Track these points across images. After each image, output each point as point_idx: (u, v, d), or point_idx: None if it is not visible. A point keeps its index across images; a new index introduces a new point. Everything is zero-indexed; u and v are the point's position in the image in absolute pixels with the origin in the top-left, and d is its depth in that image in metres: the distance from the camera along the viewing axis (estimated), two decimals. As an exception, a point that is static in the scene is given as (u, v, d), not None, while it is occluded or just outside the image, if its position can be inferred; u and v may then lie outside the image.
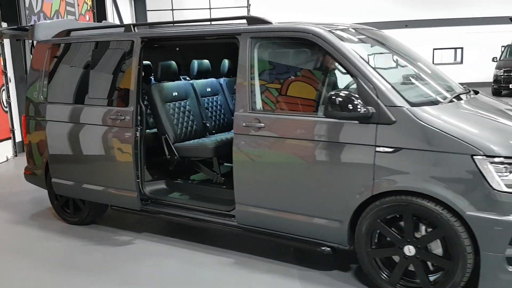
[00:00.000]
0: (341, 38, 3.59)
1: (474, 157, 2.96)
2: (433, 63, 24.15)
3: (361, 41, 4.03)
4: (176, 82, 4.87)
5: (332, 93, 3.21)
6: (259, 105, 3.75)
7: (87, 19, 13.91)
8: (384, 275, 3.35)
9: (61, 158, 4.81)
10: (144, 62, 5.05)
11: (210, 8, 19.93)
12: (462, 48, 24.20)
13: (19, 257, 4.33)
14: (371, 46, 4.13)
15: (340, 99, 3.17)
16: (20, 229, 5.06)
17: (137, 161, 4.29)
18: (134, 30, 4.44)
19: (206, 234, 4.55)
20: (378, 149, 3.24)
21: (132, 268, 3.95)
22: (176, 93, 4.72)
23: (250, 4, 22.81)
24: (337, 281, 3.59)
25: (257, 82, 3.77)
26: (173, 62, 4.78)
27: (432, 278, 3.21)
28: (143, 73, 4.55)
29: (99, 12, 14.54)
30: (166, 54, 5.72)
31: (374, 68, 3.39)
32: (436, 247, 3.17)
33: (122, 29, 4.58)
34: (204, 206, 4.19)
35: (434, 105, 3.35)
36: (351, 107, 3.17)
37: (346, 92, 3.20)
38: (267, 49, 3.83)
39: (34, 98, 5.15)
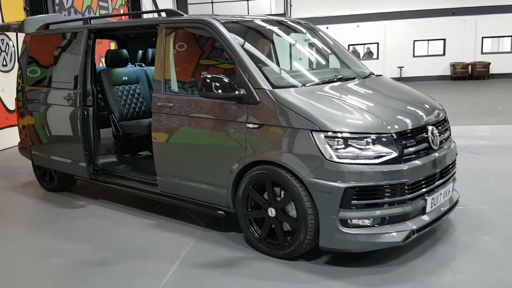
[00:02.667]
0: (233, 29, 4.09)
1: (312, 131, 3.41)
2: (481, 52, 23.37)
3: (262, 32, 4.52)
4: (128, 68, 5.57)
5: (205, 76, 3.74)
6: (169, 87, 4.34)
7: (121, 12, 14.99)
8: (255, 233, 3.85)
9: (36, 133, 5.67)
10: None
11: (247, 0, 20.53)
12: (513, 36, 23.14)
13: (-7, 214, 5.25)
14: (275, 36, 4.61)
15: (209, 81, 3.69)
16: (7, 193, 5.99)
17: (85, 136, 5.02)
18: (90, 23, 5.17)
19: (144, 200, 5.16)
20: (248, 125, 3.74)
21: (69, 225, 4.71)
22: (126, 78, 5.42)
23: (290, -5, 23.19)
24: (227, 240, 4.12)
25: (169, 66, 4.35)
26: (124, 50, 5.49)
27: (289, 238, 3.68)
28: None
29: (134, 5, 15.54)
30: (149, 43, 6.42)
31: (250, 56, 3.86)
32: (292, 210, 3.63)
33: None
34: (138, 176, 4.85)
35: (296, 87, 3.80)
36: (221, 88, 3.69)
37: (216, 76, 3.71)
38: (177, 38, 4.38)
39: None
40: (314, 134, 3.39)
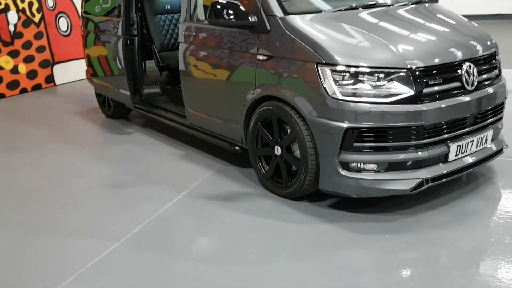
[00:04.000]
0: None
1: (318, 64, 3.10)
2: None
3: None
4: (173, -4, 5.49)
5: (214, 1, 3.51)
6: (194, 14, 4.20)
7: None
8: (263, 170, 3.72)
9: (94, 62, 5.91)
10: None
11: None
12: None
13: (56, 130, 5.67)
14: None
15: (219, 6, 3.47)
16: (71, 117, 6.41)
17: (128, 65, 5.12)
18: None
19: (181, 131, 5.15)
20: (258, 57, 3.52)
21: (108, 150, 4.96)
22: (169, 6, 5.36)
23: None
24: (241, 175, 4.04)
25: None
26: None
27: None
28: None
29: None
30: None
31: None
32: (296, 149, 3.42)
33: None
34: (173, 108, 4.89)
35: (314, 13, 3.44)
36: (231, 15, 3.46)
37: (227, 0, 3.47)
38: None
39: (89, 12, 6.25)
40: (319, 68, 3.10)
